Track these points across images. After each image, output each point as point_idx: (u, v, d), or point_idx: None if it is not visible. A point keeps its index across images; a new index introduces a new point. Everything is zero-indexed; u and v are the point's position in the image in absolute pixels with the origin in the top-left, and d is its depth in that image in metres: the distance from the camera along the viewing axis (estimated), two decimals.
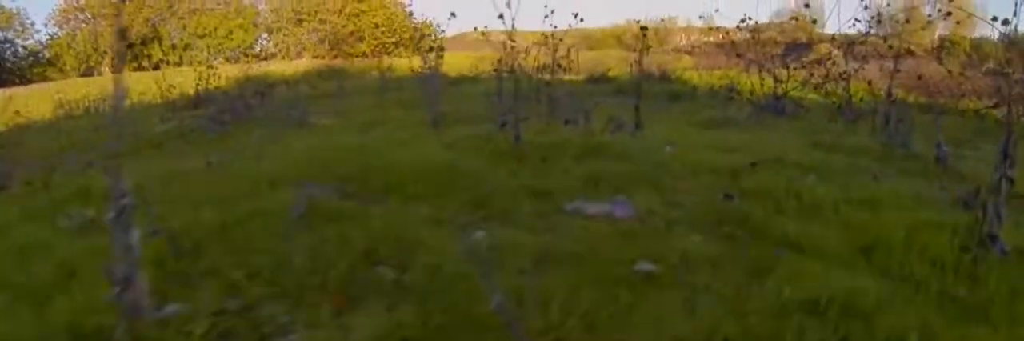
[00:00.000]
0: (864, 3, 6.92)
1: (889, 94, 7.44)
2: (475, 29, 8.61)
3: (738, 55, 9.22)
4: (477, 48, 32.88)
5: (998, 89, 16.42)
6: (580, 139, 4.93)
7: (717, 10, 10.43)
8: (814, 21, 9.79)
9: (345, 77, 20.66)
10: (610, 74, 15.67)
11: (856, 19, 7.48)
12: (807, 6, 7.27)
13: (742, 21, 8.84)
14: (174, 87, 17.47)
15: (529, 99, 10.19)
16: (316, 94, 15.26)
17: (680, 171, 4.17)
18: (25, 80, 25.42)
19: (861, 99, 8.94)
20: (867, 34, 8.03)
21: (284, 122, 10.39)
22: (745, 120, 8.23)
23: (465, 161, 4.29)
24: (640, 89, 6.73)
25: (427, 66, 15.22)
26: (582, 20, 9.02)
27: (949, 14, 7.42)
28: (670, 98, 12.36)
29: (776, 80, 9.25)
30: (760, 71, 9.17)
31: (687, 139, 5.69)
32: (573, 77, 17.44)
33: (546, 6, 9.51)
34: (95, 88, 20.27)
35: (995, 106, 13.97)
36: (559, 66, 7.86)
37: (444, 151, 4.66)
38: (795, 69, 9.37)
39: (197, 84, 16.26)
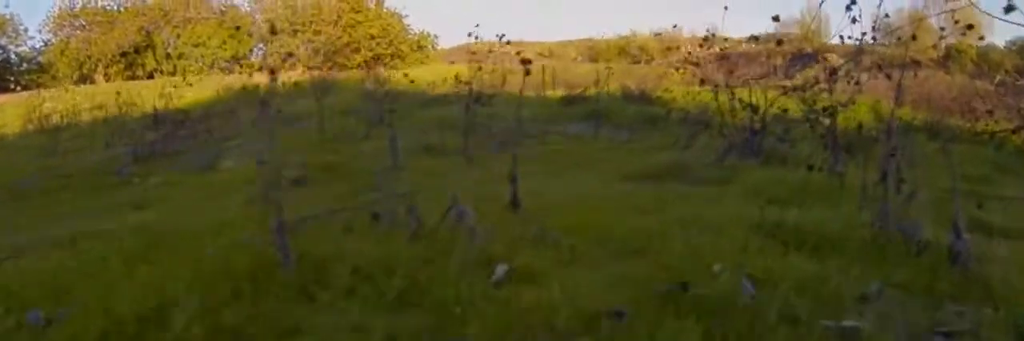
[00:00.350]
0: (851, 15, 4.99)
1: (889, 134, 5.46)
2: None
3: (702, 81, 7.30)
4: (480, 59, 30.95)
5: (1017, 110, 14.21)
6: (379, 250, 3.03)
7: (675, 26, 8.55)
8: (780, 42, 7.86)
9: (331, 91, 19.01)
10: (588, 92, 13.58)
11: (840, 36, 5.48)
12: (775, 20, 5.31)
13: (705, 39, 6.92)
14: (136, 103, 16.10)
15: (462, 128, 8.38)
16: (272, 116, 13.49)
17: (474, 335, 2.24)
18: (22, 87, 24.01)
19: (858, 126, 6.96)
20: (859, 54, 6.06)
21: (196, 162, 9.02)
22: (706, 166, 6.27)
23: (184, 301, 2.50)
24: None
25: (379, 87, 13.32)
26: (508, 42, 7.26)
27: (970, 27, 5.43)
28: (644, 123, 10.45)
29: (752, 110, 7.29)
30: (732, 99, 7.21)
31: (584, 220, 3.76)
32: (552, 93, 15.53)
33: (478, 25, 7.69)
34: (81, 98, 18.93)
35: (1016, 130, 11.71)
36: (477, 100, 5.98)
37: (186, 277, 2.90)
38: (780, 95, 7.40)
39: (155, 103, 14.76)
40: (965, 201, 5.45)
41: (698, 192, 4.98)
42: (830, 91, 5.65)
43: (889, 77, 5.01)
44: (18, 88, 23.60)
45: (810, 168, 5.77)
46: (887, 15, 5.52)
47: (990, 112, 12.78)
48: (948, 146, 11.23)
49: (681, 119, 9.24)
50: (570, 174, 6.20)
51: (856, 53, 5.55)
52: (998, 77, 20.77)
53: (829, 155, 5.54)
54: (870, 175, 5.19)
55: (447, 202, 3.93)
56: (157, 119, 13.90)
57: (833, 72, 5.53)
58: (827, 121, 6.10)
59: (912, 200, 4.93)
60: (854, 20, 5.17)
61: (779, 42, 9.08)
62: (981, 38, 16.57)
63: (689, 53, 8.31)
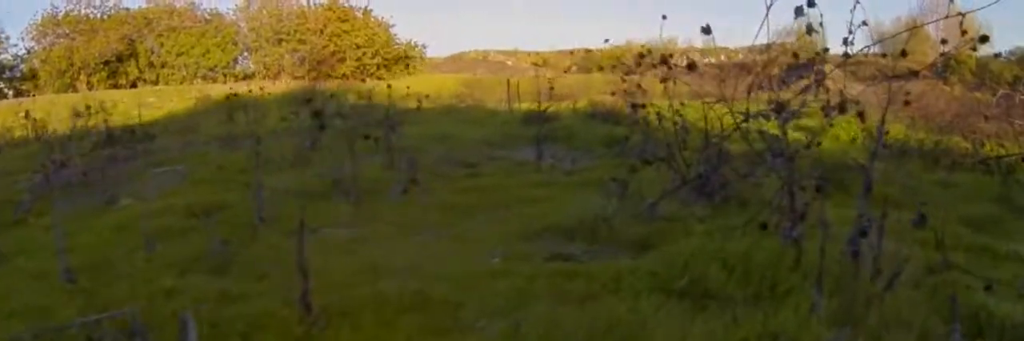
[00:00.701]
0: (805, 20, 3.63)
1: (867, 184, 4.09)
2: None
3: (634, 106, 5.96)
4: (473, 68, 29.38)
5: None
6: None
7: (607, 40, 7.17)
8: (730, 64, 6.47)
9: (310, 101, 17.70)
10: (559, 109, 12.11)
11: (818, 53, 4.09)
12: (706, 32, 3.94)
13: (642, 56, 5.60)
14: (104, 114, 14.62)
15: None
16: (222, 134, 12.12)
17: None
18: (16, 93, 22.94)
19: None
20: (818, 86, 4.67)
21: (102, 196, 7.68)
22: (636, 218, 4.89)
23: None
24: None
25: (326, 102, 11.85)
26: (426, 56, 5.85)
27: (985, 39, 4.05)
28: (603, 146, 9.07)
29: (706, 142, 5.94)
30: (677, 126, 5.88)
31: (388, 336, 2.38)
32: (519, 107, 14.21)
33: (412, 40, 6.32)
34: (60, 107, 17.72)
35: None
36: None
37: None
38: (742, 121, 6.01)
39: (99, 119, 13.38)
40: (967, 270, 4.08)
41: (597, 268, 3.58)
42: (783, 130, 4.25)
43: (862, 117, 3.62)
44: (10, 94, 22.65)
45: (764, 227, 4.40)
46: (864, 22, 4.11)
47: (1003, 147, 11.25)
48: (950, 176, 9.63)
49: (638, 144, 7.86)
50: (468, 229, 4.84)
51: (818, 79, 4.17)
52: (1000, 91, 19.18)
53: (784, 215, 4.13)
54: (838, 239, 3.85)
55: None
56: (110, 136, 12.62)
57: (779, 108, 4.13)
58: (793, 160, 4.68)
59: (893, 285, 3.55)
60: (811, 30, 3.80)
61: (732, 65, 7.68)
62: (997, 54, 15.08)
63: (628, 72, 6.89)
